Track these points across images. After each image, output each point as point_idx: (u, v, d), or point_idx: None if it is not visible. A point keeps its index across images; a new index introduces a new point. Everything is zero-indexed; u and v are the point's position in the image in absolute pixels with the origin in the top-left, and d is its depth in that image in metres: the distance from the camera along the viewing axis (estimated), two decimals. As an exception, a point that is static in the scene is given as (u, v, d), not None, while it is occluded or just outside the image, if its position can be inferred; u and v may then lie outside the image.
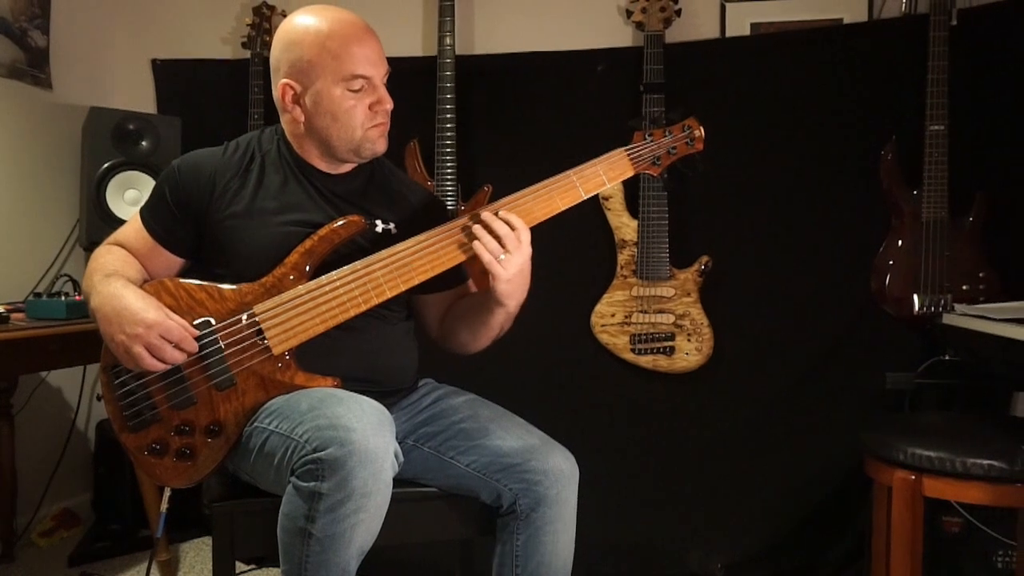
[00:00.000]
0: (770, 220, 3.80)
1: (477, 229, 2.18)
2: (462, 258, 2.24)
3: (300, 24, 2.26)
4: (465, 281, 2.51)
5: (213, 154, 2.39)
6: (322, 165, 2.37)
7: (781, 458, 3.72)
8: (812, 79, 3.78)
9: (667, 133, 2.34)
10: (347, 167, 2.39)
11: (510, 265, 2.14)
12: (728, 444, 3.78)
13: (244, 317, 2.17)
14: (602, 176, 2.28)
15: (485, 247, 2.15)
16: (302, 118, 2.30)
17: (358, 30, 2.25)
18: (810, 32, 3.85)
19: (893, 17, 3.77)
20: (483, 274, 2.17)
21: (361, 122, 2.27)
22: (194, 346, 2.12)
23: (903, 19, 3.72)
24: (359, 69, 2.23)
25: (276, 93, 2.32)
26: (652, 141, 2.33)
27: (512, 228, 2.16)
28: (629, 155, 2.31)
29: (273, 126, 2.44)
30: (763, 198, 3.80)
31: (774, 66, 3.83)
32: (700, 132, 2.35)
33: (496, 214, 2.18)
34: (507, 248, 2.14)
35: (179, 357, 2.11)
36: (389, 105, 2.29)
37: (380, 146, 2.33)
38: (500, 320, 2.28)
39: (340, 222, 2.24)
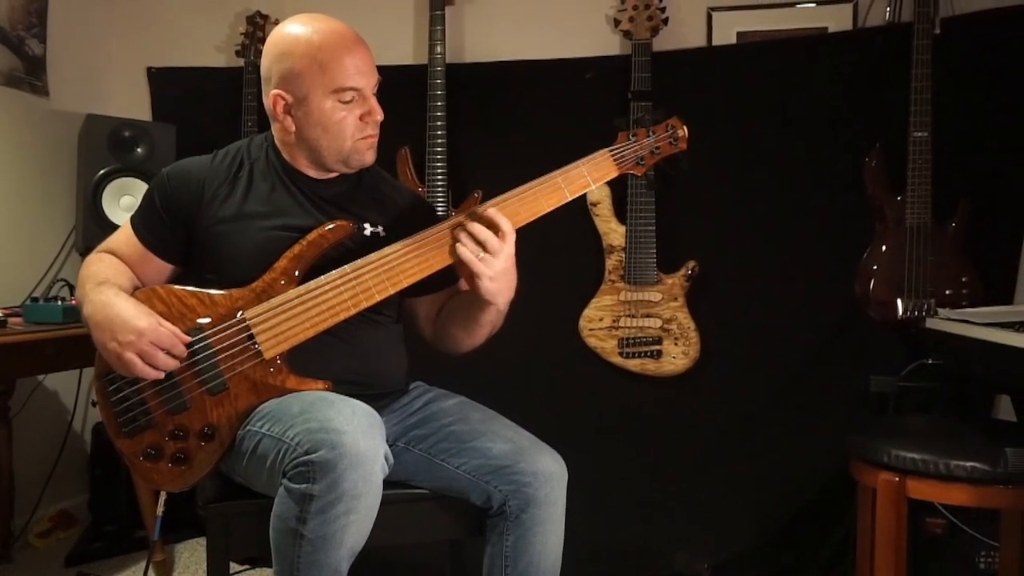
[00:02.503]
0: (756, 225, 3.80)
1: (458, 232, 2.17)
2: (450, 261, 2.23)
3: (291, 34, 2.26)
4: (456, 281, 2.49)
5: (202, 162, 2.39)
6: (311, 172, 2.37)
7: (767, 460, 3.72)
8: (797, 87, 3.78)
9: (650, 133, 2.34)
10: (336, 173, 2.39)
11: (493, 264, 2.14)
12: (715, 446, 3.78)
13: (235, 322, 2.16)
14: (587, 177, 2.28)
15: (467, 249, 2.15)
16: (293, 128, 2.30)
17: (348, 41, 2.25)
18: (795, 41, 3.86)
19: (877, 26, 3.77)
20: (471, 276, 2.17)
21: (351, 133, 2.27)
22: (184, 352, 2.12)
23: (887, 28, 3.72)
24: (349, 81, 2.22)
25: (267, 102, 2.31)
26: (635, 141, 2.33)
27: (498, 228, 2.15)
28: (613, 155, 2.31)
29: (263, 133, 2.45)
30: (749, 204, 3.81)
31: (760, 74, 3.84)
32: (683, 131, 2.35)
33: (485, 212, 2.17)
34: (489, 251, 2.14)
35: (171, 364, 2.11)
36: (379, 116, 2.29)
37: (369, 157, 2.34)
38: (491, 317, 2.28)
39: (328, 227, 2.23)
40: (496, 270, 2.14)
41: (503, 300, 2.21)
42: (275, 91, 2.27)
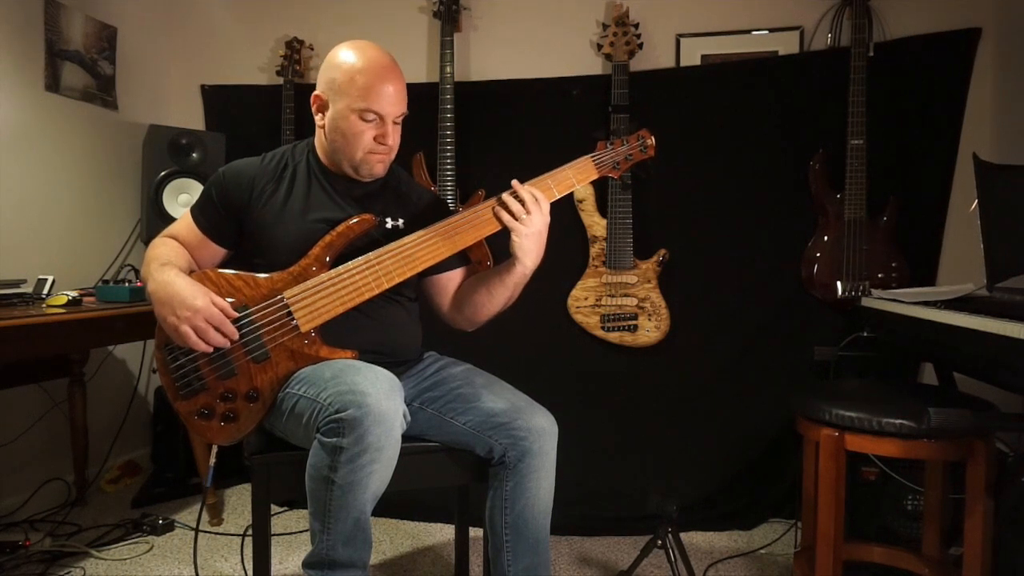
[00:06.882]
0: (718, 219, 3.78)
1: (507, 194, 2.21)
2: (451, 253, 2.26)
3: (344, 52, 2.26)
4: (463, 264, 2.48)
5: (253, 162, 2.38)
6: (342, 173, 2.35)
7: (726, 417, 3.72)
8: (754, 101, 3.76)
9: (624, 142, 2.35)
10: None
11: (530, 224, 2.17)
12: (683, 406, 3.77)
13: (276, 301, 2.15)
14: (572, 179, 2.29)
15: (511, 206, 2.19)
16: (322, 124, 2.31)
17: (387, 71, 2.23)
18: (751, 62, 3.83)
19: (820, 50, 3.75)
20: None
21: (363, 146, 2.25)
22: (234, 333, 2.11)
23: (828, 51, 3.70)
24: (374, 105, 2.21)
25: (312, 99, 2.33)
26: (612, 149, 2.35)
27: (535, 199, 2.19)
28: (594, 161, 2.32)
29: (306, 140, 2.44)
30: (712, 201, 3.79)
31: (721, 90, 3.81)
32: (651, 141, 2.36)
33: (525, 188, 2.21)
34: (528, 210, 2.17)
35: (221, 340, 2.10)
36: (391, 142, 2.28)
37: (377, 170, 2.32)
38: (515, 279, 2.25)
39: (354, 220, 2.22)
40: (531, 230, 2.17)
41: (530, 261, 2.21)
42: (316, 92, 2.29)
